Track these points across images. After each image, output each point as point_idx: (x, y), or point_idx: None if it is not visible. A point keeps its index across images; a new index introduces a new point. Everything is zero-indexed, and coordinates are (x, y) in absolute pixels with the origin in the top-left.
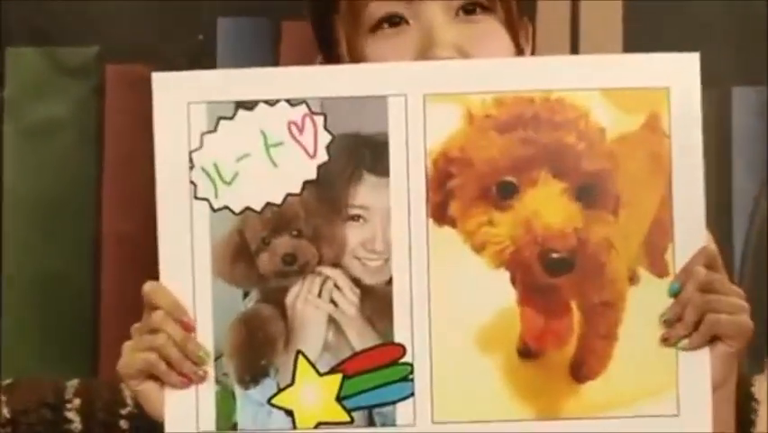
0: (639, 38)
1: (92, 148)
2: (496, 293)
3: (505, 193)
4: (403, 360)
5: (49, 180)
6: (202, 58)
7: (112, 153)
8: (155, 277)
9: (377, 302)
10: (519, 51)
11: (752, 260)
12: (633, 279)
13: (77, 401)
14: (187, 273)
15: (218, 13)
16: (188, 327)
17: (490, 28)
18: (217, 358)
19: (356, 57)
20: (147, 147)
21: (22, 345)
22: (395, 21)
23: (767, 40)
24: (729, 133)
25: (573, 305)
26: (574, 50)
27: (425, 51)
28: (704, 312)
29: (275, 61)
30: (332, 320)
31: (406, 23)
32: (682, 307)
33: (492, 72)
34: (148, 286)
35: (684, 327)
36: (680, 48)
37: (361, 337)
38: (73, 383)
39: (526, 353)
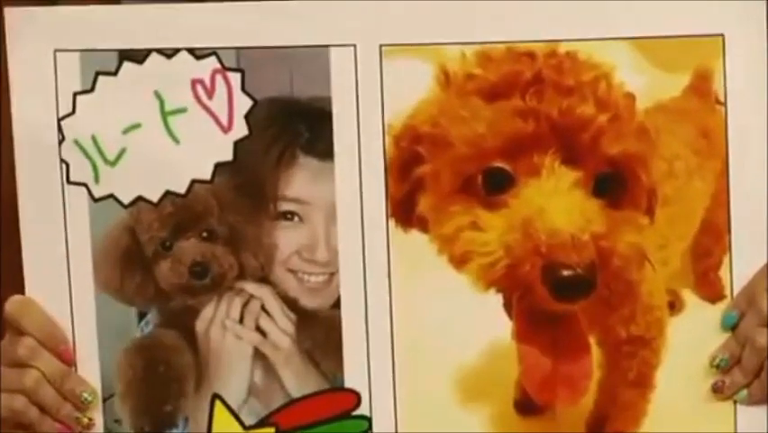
0: None
1: None
2: (484, 323)
3: (495, 185)
4: (357, 412)
5: None
6: None
7: None
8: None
9: (320, 333)
10: None
11: None
12: (674, 305)
13: None
14: (62, 284)
15: None
16: (67, 359)
17: None
18: (107, 399)
19: None
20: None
21: None
22: None
23: None
24: None
25: (592, 341)
26: None
27: None
28: (766, 357)
29: None
30: (259, 355)
31: None
32: (741, 346)
33: (476, 15)
34: (11, 304)
35: (743, 373)
36: None
37: (299, 380)
38: None
39: (526, 406)
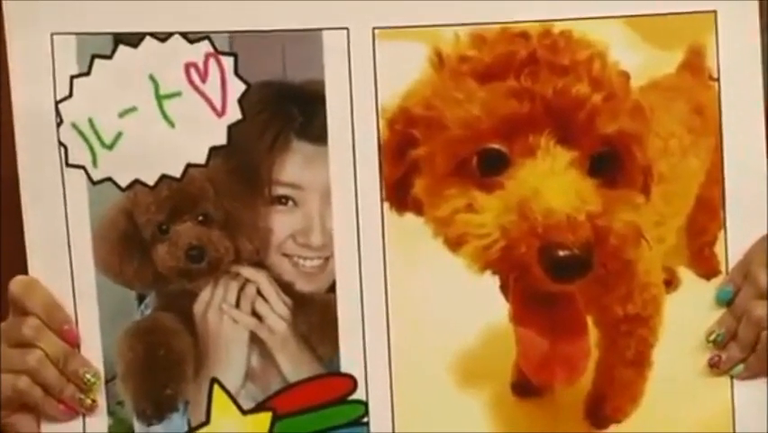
0: None
1: None
2: (481, 306)
3: (490, 166)
4: (353, 397)
5: None
6: None
7: None
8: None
9: (315, 317)
10: None
11: None
12: (671, 282)
13: None
14: (64, 267)
15: None
16: (71, 340)
17: None
18: (109, 381)
19: None
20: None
21: None
22: None
23: None
24: None
25: (589, 321)
26: None
27: None
28: (763, 329)
29: None
30: (255, 339)
31: None
32: (737, 320)
33: None
34: (15, 284)
35: (740, 347)
36: None
37: (295, 364)
38: None
39: (524, 388)
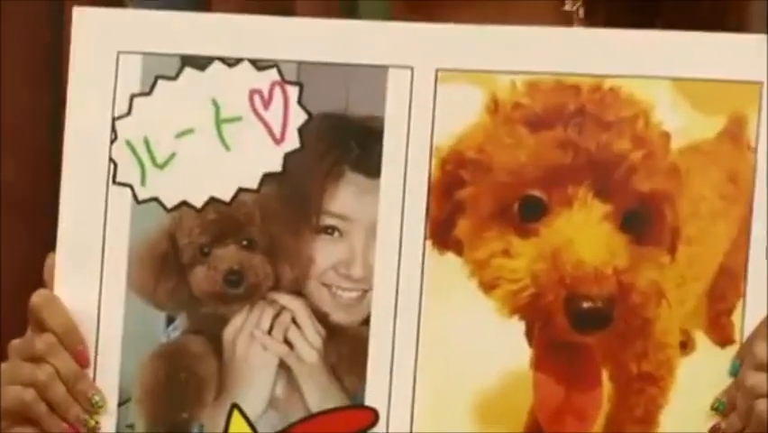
0: None
1: None
2: (505, 350)
3: (530, 213)
4: (374, 430)
5: None
6: None
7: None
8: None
9: (346, 348)
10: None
11: None
12: (686, 345)
13: None
14: (93, 285)
15: None
16: (82, 361)
17: None
18: (123, 403)
19: None
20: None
21: None
22: None
23: None
24: None
25: (605, 374)
26: None
27: None
28: (756, 397)
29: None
30: (284, 367)
31: None
32: (738, 391)
33: (528, 44)
34: (37, 297)
35: (739, 416)
36: None
37: (321, 394)
38: None
39: None
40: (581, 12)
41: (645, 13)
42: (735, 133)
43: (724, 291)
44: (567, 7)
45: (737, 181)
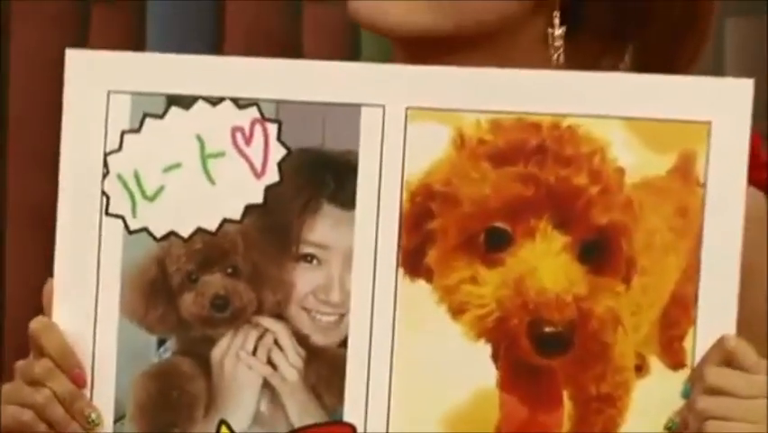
0: None
1: None
2: (473, 370)
3: (495, 243)
4: None
5: None
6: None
7: (18, 107)
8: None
9: (325, 368)
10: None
11: None
12: (641, 368)
13: None
14: (88, 309)
15: None
16: (79, 382)
17: None
18: (118, 419)
19: None
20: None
21: None
22: None
23: None
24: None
25: (566, 395)
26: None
27: None
28: (706, 419)
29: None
30: (267, 386)
31: None
32: (690, 413)
33: (492, 85)
34: (35, 324)
35: None
36: None
37: (302, 411)
38: None
39: None
40: (562, 57)
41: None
42: (685, 170)
43: (676, 318)
44: (554, 59)
45: (688, 215)
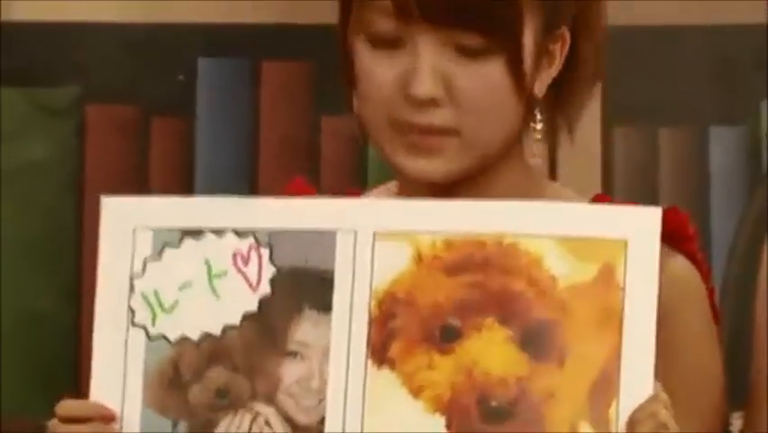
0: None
1: (74, 189)
2: None
3: (447, 336)
4: None
5: (31, 222)
6: (182, 98)
7: (93, 194)
8: None
9: None
10: (528, 94)
11: (732, 295)
12: None
13: None
14: (117, 400)
15: (199, 53)
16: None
17: (490, 72)
18: None
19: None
20: (128, 189)
21: (4, 383)
22: (391, 42)
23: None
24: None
25: None
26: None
27: (407, 83)
28: None
29: (255, 102)
30: None
31: (403, 47)
32: None
33: (444, 213)
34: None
35: None
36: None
37: None
38: None
39: None
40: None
41: None
42: (607, 277)
43: (603, 392)
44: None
45: (610, 313)
